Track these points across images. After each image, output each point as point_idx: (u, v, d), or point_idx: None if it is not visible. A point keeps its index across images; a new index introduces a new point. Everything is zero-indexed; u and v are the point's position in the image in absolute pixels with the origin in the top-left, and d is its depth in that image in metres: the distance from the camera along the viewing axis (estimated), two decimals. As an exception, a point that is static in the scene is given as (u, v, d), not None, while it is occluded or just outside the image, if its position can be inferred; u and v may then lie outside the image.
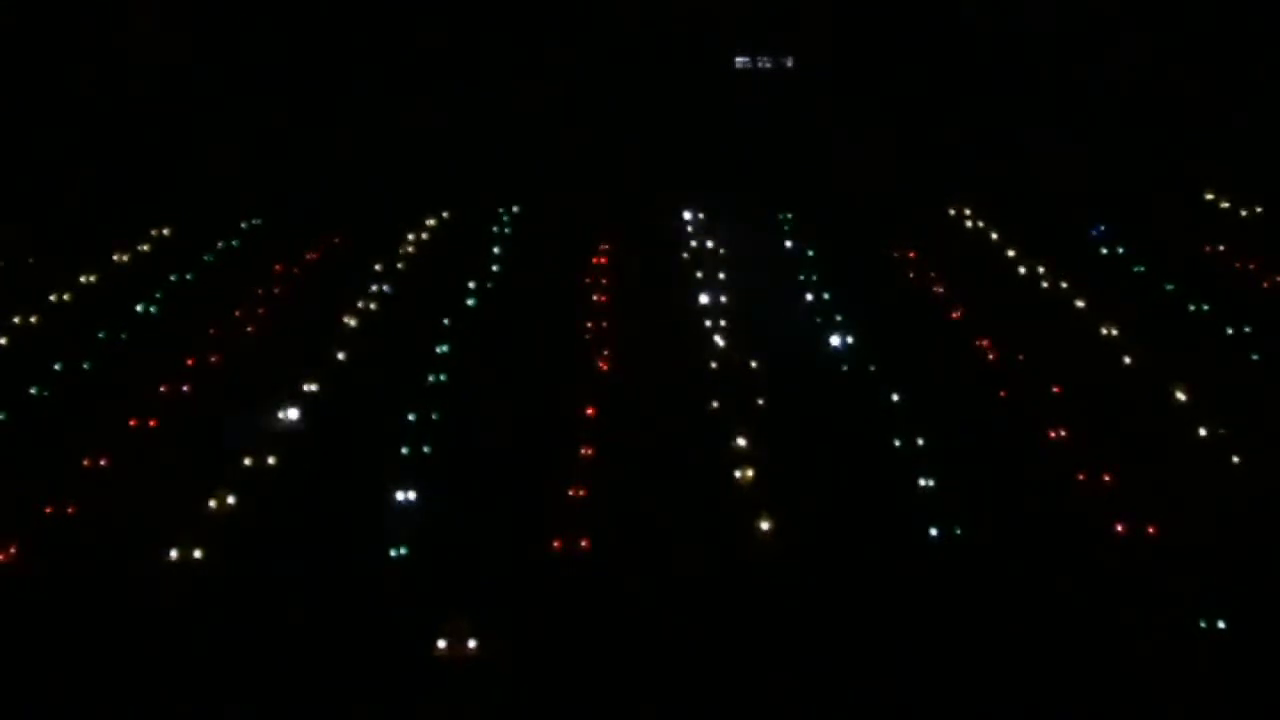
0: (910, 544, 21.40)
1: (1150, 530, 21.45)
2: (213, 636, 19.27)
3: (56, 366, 28.78)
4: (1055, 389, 26.64)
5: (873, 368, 28.02)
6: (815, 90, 47.65)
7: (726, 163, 44.41)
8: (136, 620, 19.71)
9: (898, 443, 24.55)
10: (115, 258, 36.75)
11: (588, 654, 18.75)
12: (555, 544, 21.29)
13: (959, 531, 21.56)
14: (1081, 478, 23.16)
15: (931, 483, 22.97)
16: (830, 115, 46.40)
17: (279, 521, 22.47)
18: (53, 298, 33.37)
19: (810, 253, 36.65)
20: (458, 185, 43.15)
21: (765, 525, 21.49)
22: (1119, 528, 21.53)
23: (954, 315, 31.61)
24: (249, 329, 31.26)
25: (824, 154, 44.52)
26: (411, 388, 27.42)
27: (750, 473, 23.28)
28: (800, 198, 41.51)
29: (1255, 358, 28.83)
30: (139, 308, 32.68)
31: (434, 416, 25.86)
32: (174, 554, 21.14)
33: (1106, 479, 23.09)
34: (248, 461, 24.20)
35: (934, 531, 21.48)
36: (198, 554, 21.25)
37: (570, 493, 22.89)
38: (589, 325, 30.96)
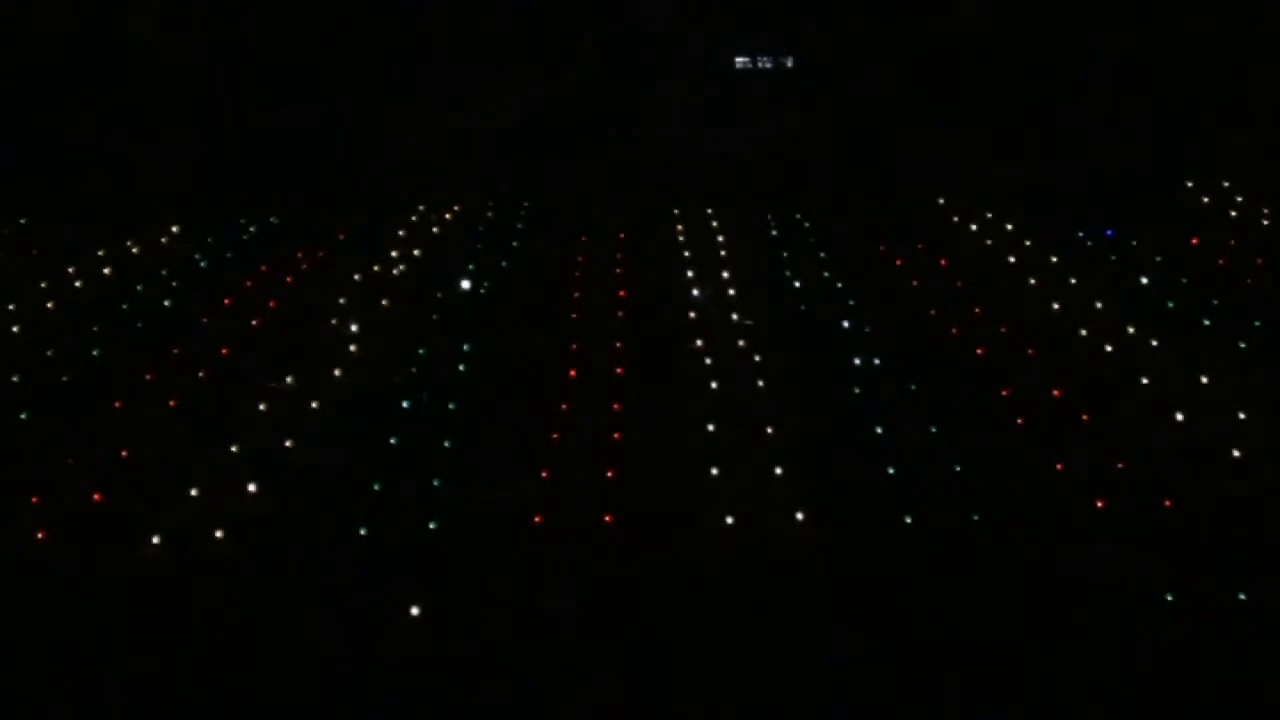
0: (901, 532, 21.72)
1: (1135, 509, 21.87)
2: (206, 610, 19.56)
3: (59, 357, 29.02)
4: (1055, 392, 26.84)
5: (877, 361, 28.30)
6: (815, 90, 47.76)
7: (726, 162, 44.58)
8: (143, 605, 19.94)
9: (882, 430, 24.90)
10: (127, 248, 36.99)
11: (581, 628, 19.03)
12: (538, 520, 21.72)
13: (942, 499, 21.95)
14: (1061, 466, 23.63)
15: (926, 470, 23.33)
16: (830, 115, 46.55)
17: (280, 508, 22.75)
18: (49, 294, 33.54)
19: (808, 246, 36.94)
20: (455, 181, 43.41)
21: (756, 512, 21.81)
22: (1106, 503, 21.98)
23: (955, 310, 31.90)
24: (254, 322, 31.45)
25: (824, 153, 44.74)
26: (408, 378, 27.78)
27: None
28: (800, 196, 41.70)
29: (1243, 346, 29.12)
30: (145, 300, 32.91)
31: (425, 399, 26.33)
32: (177, 540, 21.45)
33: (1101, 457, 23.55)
34: (246, 449, 24.49)
35: (908, 519, 21.81)
36: (196, 539, 21.55)
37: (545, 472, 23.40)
38: (580, 314, 31.44)
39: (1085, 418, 25.67)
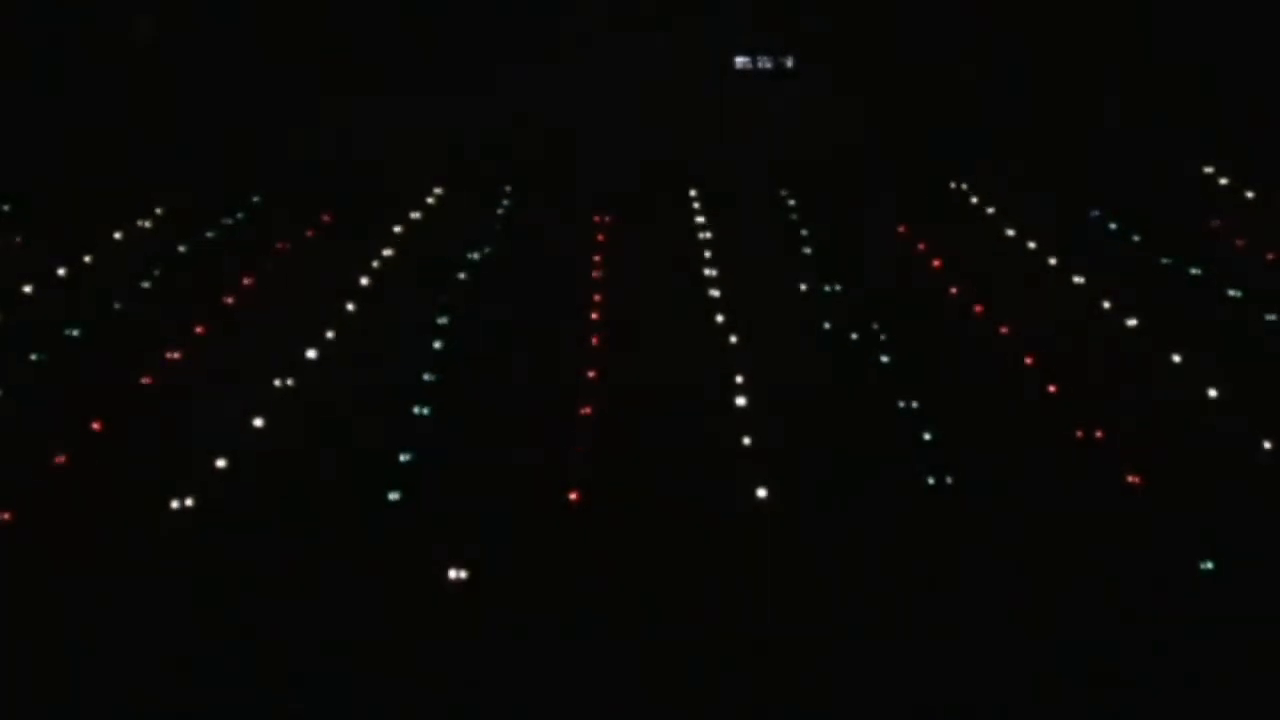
0: (908, 499, 21.81)
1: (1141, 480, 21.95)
2: (214, 586, 19.53)
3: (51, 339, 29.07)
4: (1056, 386, 26.86)
5: (885, 356, 28.51)
6: (815, 90, 47.91)
7: (726, 160, 44.78)
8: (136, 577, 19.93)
9: (899, 405, 25.02)
10: (113, 235, 37.11)
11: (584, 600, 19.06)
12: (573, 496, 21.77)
13: (950, 480, 21.99)
14: (1080, 435, 23.67)
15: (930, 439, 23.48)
16: (830, 113, 46.76)
17: (281, 483, 22.77)
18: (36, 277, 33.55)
19: (808, 234, 37.18)
20: (456, 175, 43.69)
21: (763, 492, 21.80)
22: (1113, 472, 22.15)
23: (952, 291, 32.12)
24: (245, 302, 31.60)
25: (824, 150, 44.99)
26: (411, 357, 27.89)
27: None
28: (800, 190, 41.90)
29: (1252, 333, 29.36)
30: (135, 282, 33.02)
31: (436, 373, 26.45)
32: (175, 504, 21.46)
33: (1100, 435, 23.61)
34: (253, 424, 24.55)
35: (940, 491, 21.88)
36: (194, 514, 21.55)
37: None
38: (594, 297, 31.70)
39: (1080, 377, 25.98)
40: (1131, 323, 29.61)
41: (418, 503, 22.07)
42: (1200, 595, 19.30)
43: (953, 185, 42.23)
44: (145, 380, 26.70)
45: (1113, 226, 38.20)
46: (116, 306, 31.14)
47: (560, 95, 47.10)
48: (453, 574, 19.41)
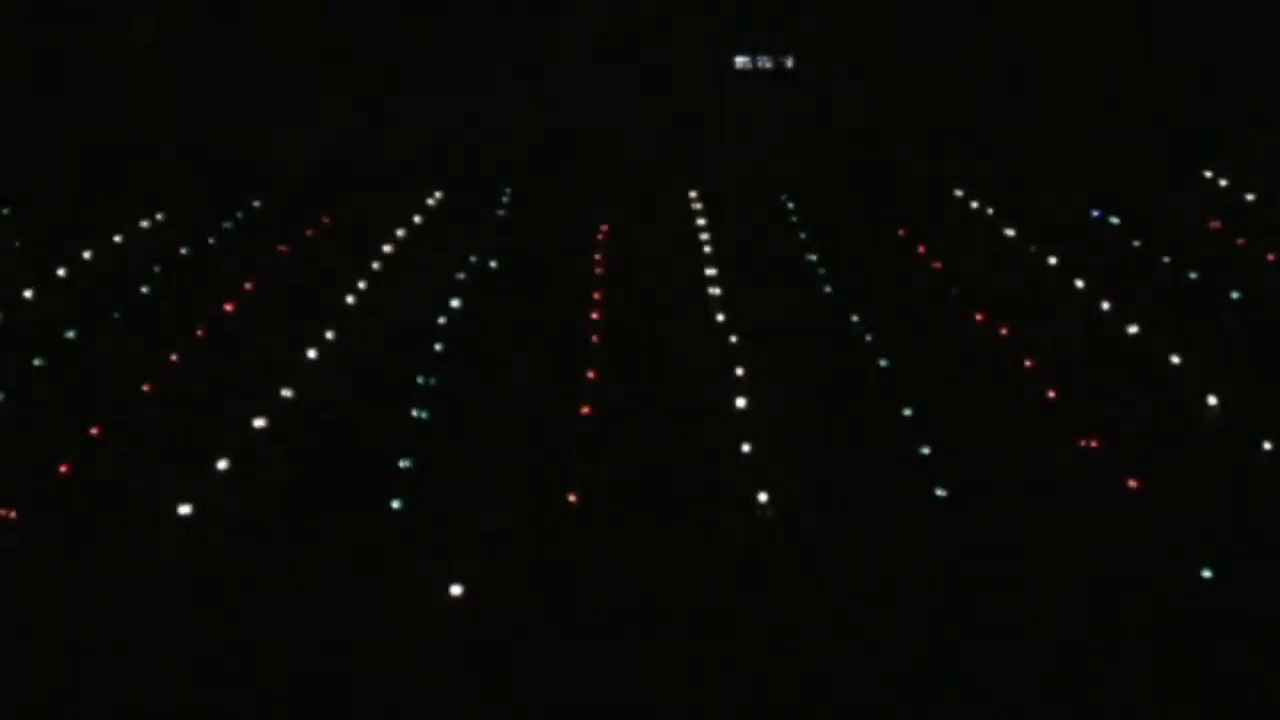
0: (912, 507, 21.71)
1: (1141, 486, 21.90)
2: (211, 595, 19.43)
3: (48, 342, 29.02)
4: (1056, 387, 26.80)
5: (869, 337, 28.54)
6: (815, 90, 47.93)
7: (726, 160, 44.76)
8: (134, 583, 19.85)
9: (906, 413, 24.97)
10: (113, 238, 37.05)
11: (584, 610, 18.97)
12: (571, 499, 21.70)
13: (944, 494, 21.89)
14: (1090, 443, 23.62)
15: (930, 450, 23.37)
16: (830, 113, 46.78)
17: (281, 484, 22.67)
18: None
19: (808, 235, 37.14)
20: (455, 175, 43.70)
21: (764, 497, 21.72)
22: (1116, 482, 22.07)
23: (952, 291, 32.10)
24: (241, 306, 31.54)
25: (824, 151, 44.99)
26: (411, 358, 27.84)
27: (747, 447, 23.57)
28: (800, 190, 41.88)
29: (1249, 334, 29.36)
30: (133, 285, 32.96)
31: (434, 381, 26.38)
32: (182, 511, 21.38)
33: (1097, 444, 23.54)
34: (249, 426, 24.51)
35: (940, 492, 21.83)
36: (195, 515, 21.43)
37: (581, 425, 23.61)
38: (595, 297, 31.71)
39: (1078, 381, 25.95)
40: (1132, 323, 29.58)
41: (418, 503, 22.03)
42: (1200, 596, 19.30)
43: (952, 186, 42.18)
44: (145, 386, 26.63)
45: (1114, 221, 38.16)
46: (115, 315, 31.02)
47: (560, 95, 47.10)
48: (454, 590, 19.32)
